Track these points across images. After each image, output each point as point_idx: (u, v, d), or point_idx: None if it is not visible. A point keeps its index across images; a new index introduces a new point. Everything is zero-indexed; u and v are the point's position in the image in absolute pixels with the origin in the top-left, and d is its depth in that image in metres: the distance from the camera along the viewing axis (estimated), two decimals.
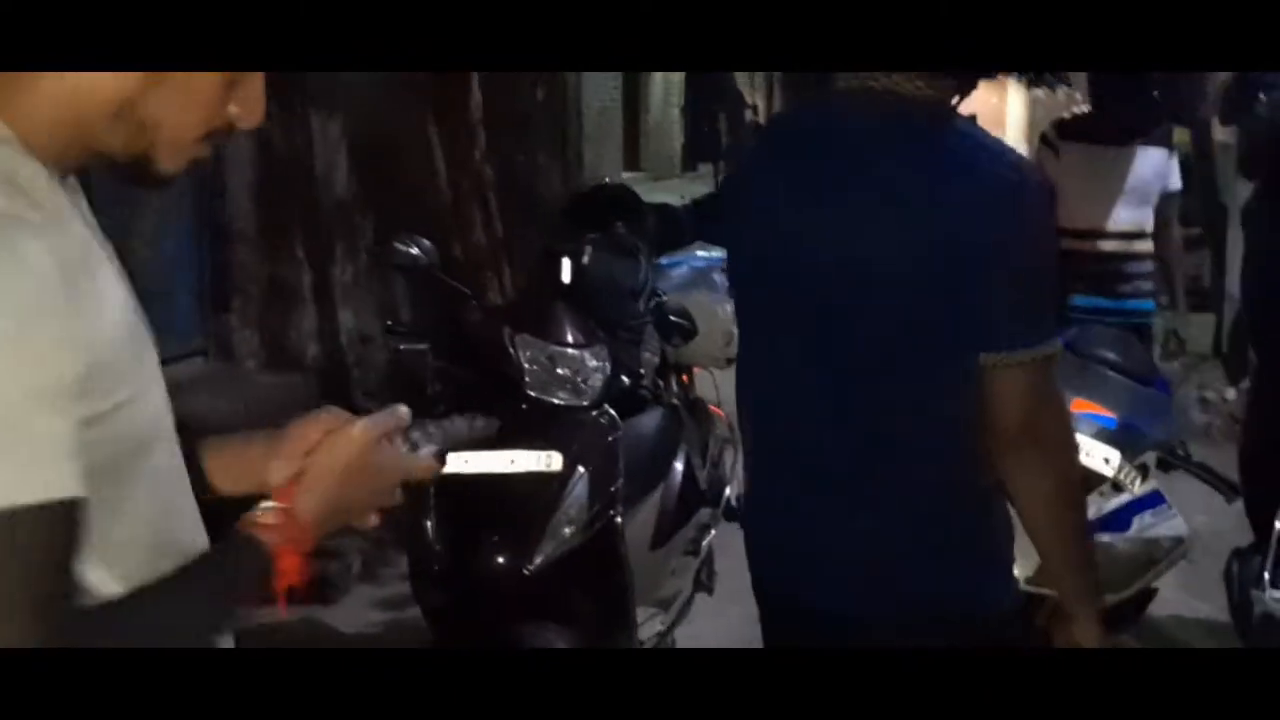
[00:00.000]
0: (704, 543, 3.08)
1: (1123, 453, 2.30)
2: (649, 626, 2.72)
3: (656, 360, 2.96)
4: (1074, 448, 1.51)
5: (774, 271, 1.46)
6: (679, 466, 2.93)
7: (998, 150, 1.40)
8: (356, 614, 3.25)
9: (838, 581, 1.45)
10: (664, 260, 3.28)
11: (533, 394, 2.49)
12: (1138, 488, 2.28)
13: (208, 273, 4.29)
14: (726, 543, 2.97)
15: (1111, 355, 2.57)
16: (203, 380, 4.01)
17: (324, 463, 0.98)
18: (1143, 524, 2.28)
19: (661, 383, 3.01)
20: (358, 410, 1.05)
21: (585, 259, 2.79)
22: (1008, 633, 1.45)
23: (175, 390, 0.97)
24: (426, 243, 2.67)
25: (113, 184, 0.96)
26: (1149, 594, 2.48)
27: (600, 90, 8.88)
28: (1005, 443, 1.36)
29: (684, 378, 3.37)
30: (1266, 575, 2.74)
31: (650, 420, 2.88)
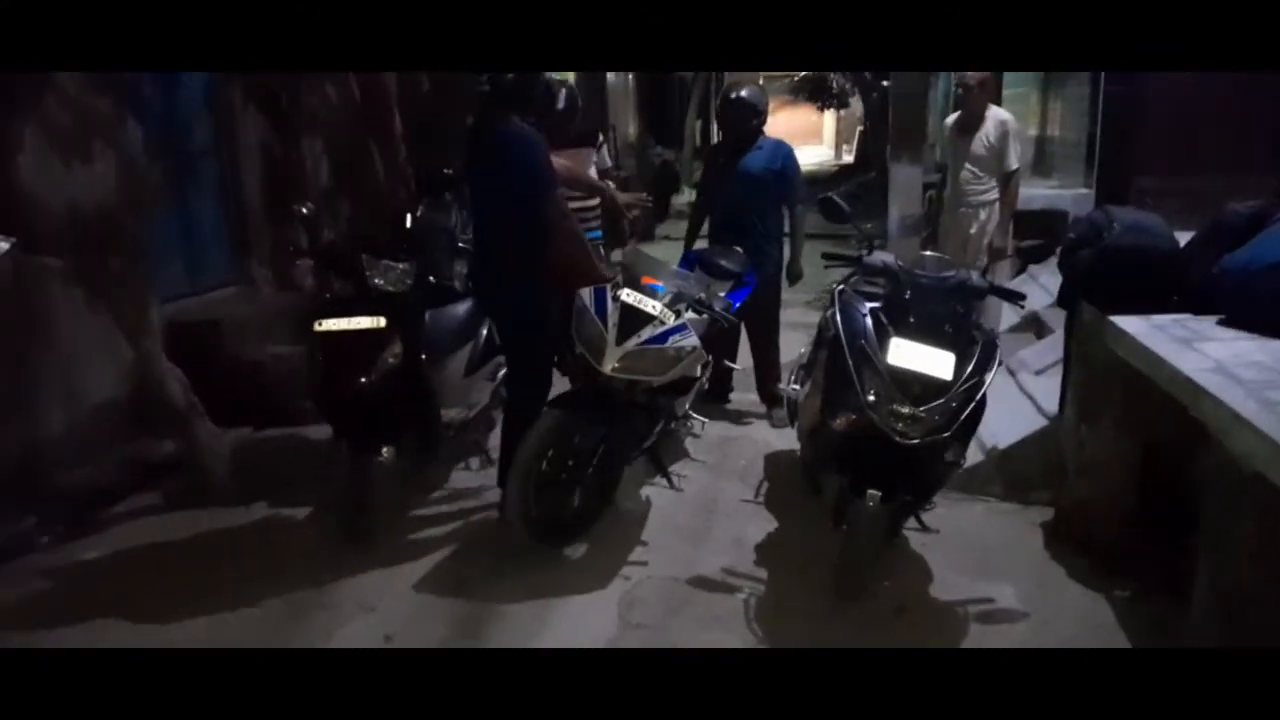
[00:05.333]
0: (498, 373, 5.23)
1: (665, 303, 4.30)
2: (459, 414, 4.89)
3: (464, 270, 5.10)
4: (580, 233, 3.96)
5: None
6: (483, 332, 5.06)
7: None
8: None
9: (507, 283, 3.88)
10: None
11: (372, 285, 4.61)
12: (671, 321, 4.26)
13: (235, 230, 6.38)
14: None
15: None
16: (236, 300, 6.24)
17: None
18: (673, 340, 4.24)
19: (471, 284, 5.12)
20: None
21: (418, 214, 4.97)
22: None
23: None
24: (312, 205, 4.92)
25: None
26: (689, 380, 4.52)
27: None
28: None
29: None
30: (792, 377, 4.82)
31: (462, 305, 5.01)
